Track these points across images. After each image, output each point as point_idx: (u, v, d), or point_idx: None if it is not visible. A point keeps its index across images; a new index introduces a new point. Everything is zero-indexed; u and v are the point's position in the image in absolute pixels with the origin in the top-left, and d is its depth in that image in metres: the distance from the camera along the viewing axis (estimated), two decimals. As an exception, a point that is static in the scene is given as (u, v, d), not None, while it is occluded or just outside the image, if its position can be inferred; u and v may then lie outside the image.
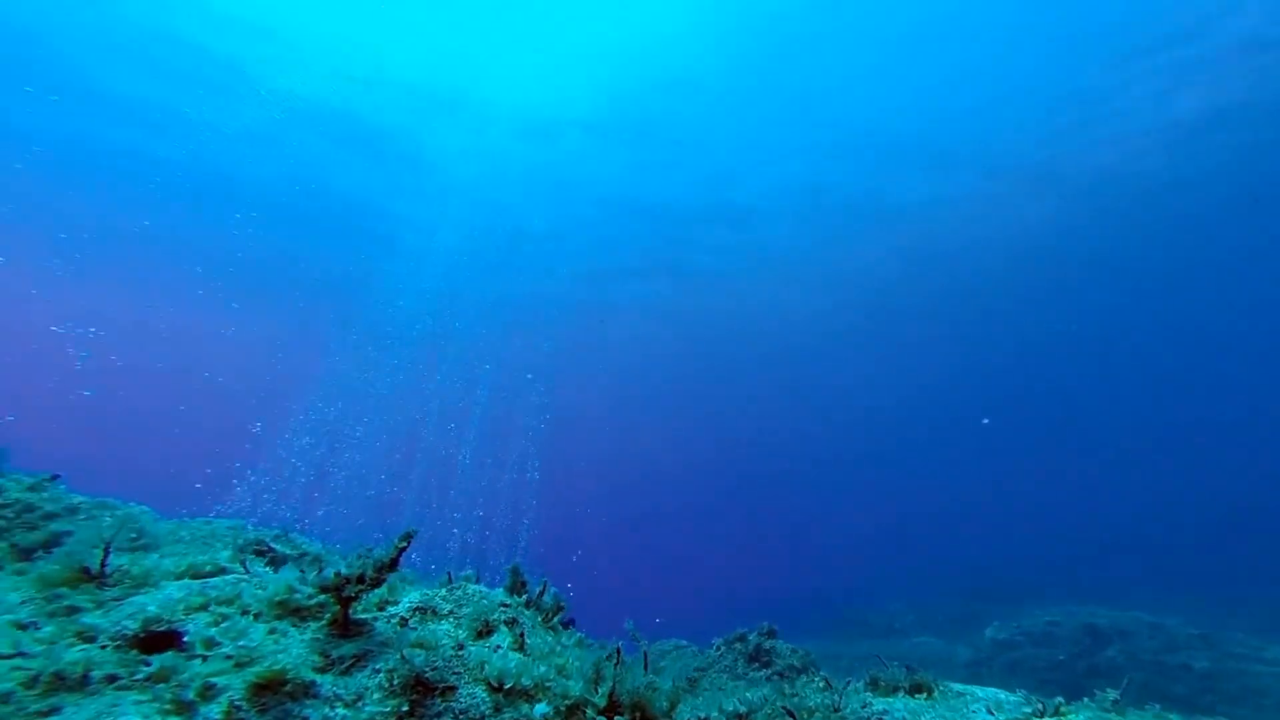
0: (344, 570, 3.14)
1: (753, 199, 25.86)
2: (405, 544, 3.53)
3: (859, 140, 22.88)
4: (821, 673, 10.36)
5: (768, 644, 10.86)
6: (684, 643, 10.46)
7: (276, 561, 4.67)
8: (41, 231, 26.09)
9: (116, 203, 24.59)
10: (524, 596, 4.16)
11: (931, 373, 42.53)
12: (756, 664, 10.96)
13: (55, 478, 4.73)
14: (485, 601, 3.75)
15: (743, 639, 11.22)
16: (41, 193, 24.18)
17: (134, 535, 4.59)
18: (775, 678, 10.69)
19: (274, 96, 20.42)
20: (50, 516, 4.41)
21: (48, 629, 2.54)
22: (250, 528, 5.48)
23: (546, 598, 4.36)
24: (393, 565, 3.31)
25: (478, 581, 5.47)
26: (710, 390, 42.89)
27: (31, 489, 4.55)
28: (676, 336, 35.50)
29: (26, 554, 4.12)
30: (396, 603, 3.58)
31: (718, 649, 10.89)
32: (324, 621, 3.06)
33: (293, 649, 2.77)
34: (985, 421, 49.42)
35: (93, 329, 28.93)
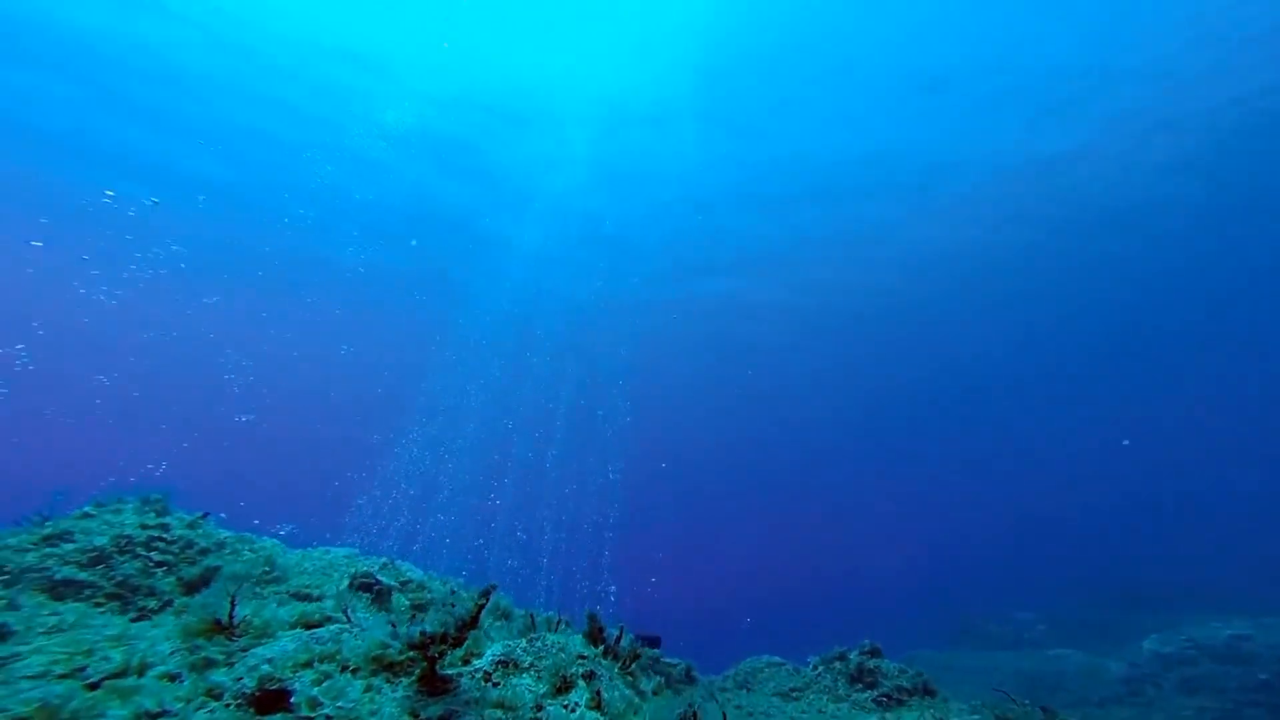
0: (429, 629, 3.32)
1: (831, 175, 24.40)
2: (485, 601, 3.67)
3: (950, 94, 20.75)
4: (939, 697, 9.59)
5: (871, 663, 10.22)
6: (777, 660, 10.13)
7: (381, 595, 5.07)
8: (196, 259, 30.15)
9: (243, 228, 27.89)
10: (601, 646, 4.18)
11: (1046, 348, 37.72)
12: (860, 685, 10.34)
13: (206, 515, 5.46)
14: (563, 655, 3.81)
15: (843, 658, 10.65)
16: (183, 225, 28.03)
17: (267, 569, 5.19)
18: (882, 701, 10.04)
19: (380, 126, 22.41)
20: (204, 552, 5.09)
21: (186, 684, 2.91)
22: (360, 556, 6.02)
23: (624, 643, 4.37)
24: (473, 623, 3.46)
25: (559, 624, 5.57)
26: (798, 381, 41.15)
27: (190, 526, 5.27)
28: (758, 330, 34.40)
29: (189, 587, 4.80)
30: (481, 655, 3.73)
31: (815, 668, 10.42)
32: (414, 677, 3.26)
33: (385, 709, 2.97)
34: (1125, 443, 43.44)
35: (234, 354, 33.41)
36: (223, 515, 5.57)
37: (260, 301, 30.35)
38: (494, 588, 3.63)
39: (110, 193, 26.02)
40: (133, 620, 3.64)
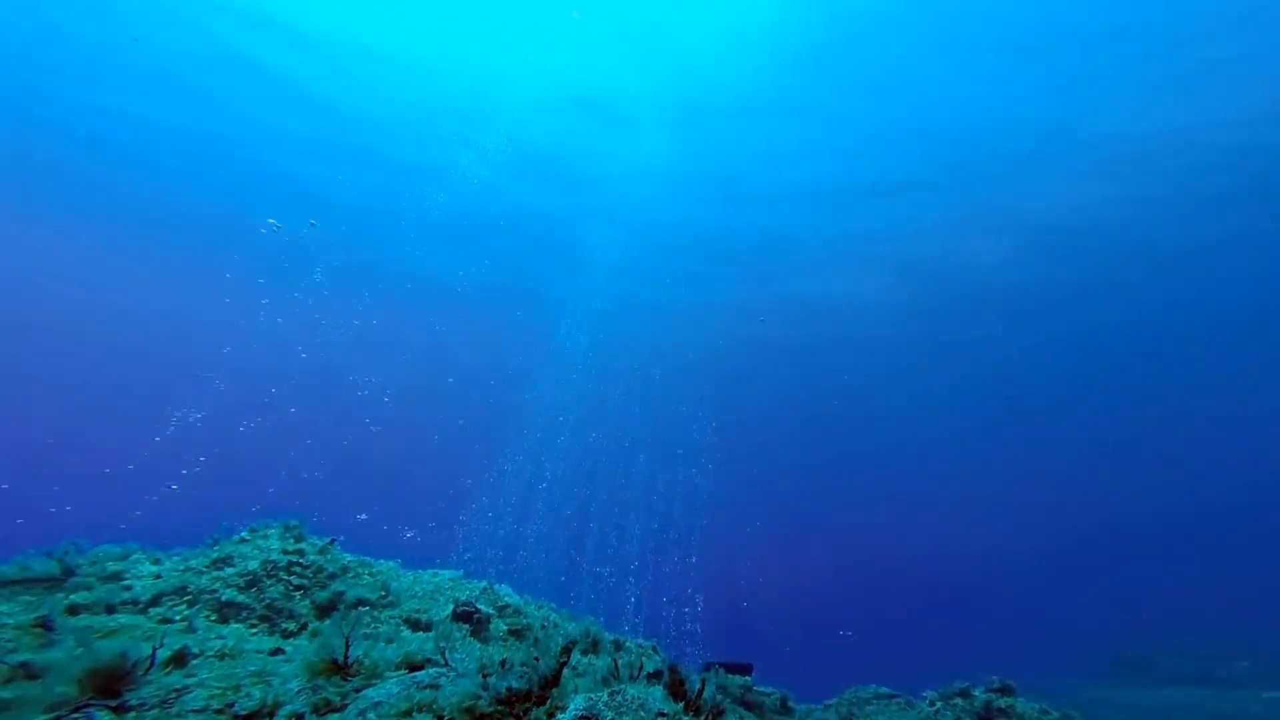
0: (516, 684, 3.48)
1: (936, 154, 22.22)
2: (565, 658, 3.78)
3: (1067, 55, 17.97)
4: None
5: (1003, 702, 9.27)
6: (886, 691, 9.48)
7: (479, 624, 5.40)
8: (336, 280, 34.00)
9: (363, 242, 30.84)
10: (683, 702, 4.14)
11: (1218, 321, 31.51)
12: (986, 726, 9.43)
13: (333, 541, 6.13)
14: (643, 712, 3.82)
15: (966, 694, 9.76)
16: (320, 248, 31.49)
17: (382, 593, 5.73)
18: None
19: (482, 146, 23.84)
20: (332, 576, 5.72)
21: (310, 725, 3.28)
22: (463, 580, 6.48)
23: (707, 694, 4.30)
24: (555, 680, 3.58)
25: (646, 656, 5.59)
26: (904, 374, 38.04)
27: (320, 552, 5.95)
28: (858, 325, 32.22)
29: (321, 610, 5.42)
30: (565, 709, 3.84)
31: (932, 704, 9.63)
32: (501, 730, 3.43)
33: (474, 762, 3.16)
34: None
35: (367, 369, 37.31)
36: (341, 538, 6.19)
37: (391, 319, 33.73)
38: (574, 644, 3.72)
39: (274, 221, 29.65)
40: (274, 650, 4.15)
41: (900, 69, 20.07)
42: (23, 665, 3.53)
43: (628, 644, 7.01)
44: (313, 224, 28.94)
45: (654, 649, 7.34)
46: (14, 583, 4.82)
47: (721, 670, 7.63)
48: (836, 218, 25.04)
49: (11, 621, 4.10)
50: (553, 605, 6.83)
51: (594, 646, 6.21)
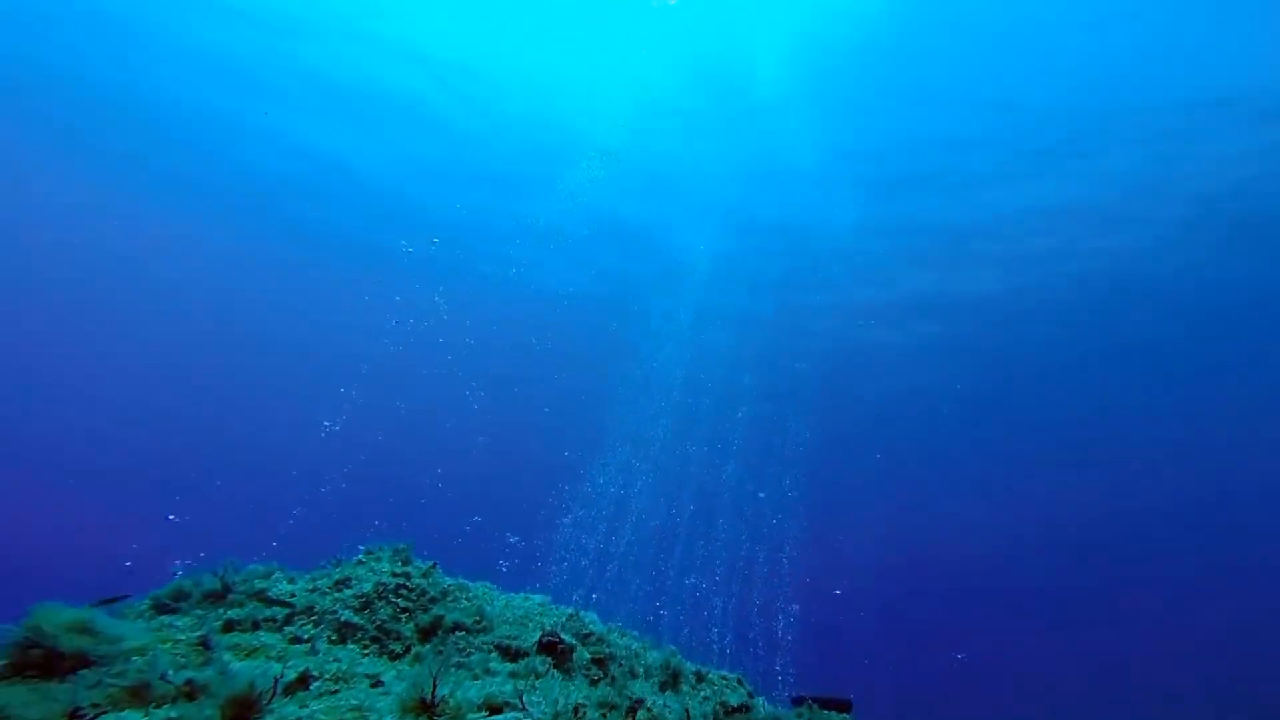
0: (581, 740, 3.56)
1: (1051, 128, 19.40)
2: (633, 716, 3.80)
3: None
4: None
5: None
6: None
7: (563, 654, 5.60)
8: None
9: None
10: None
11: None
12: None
13: (435, 565, 6.67)
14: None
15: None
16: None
17: (477, 618, 6.13)
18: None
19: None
20: (433, 600, 6.23)
21: (400, 763, 3.58)
22: (551, 606, 6.76)
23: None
24: (620, 740, 3.61)
25: (740, 684, 5.47)
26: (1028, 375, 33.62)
27: (424, 575, 6.50)
28: (970, 322, 29.01)
29: (423, 634, 5.93)
30: (631, 765, 3.86)
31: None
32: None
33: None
34: None
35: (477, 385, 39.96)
36: (435, 562, 6.69)
37: (490, 331, 36.17)
38: (640, 702, 3.73)
39: (407, 246, 32.66)
40: (374, 681, 4.58)
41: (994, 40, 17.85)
42: (188, 683, 4.22)
43: (710, 675, 6.91)
44: (435, 241, 31.61)
45: (739, 681, 7.18)
46: (188, 597, 5.79)
47: (814, 706, 7.28)
48: (929, 205, 22.87)
49: (184, 637, 4.93)
50: (635, 633, 6.92)
51: (674, 680, 6.18)
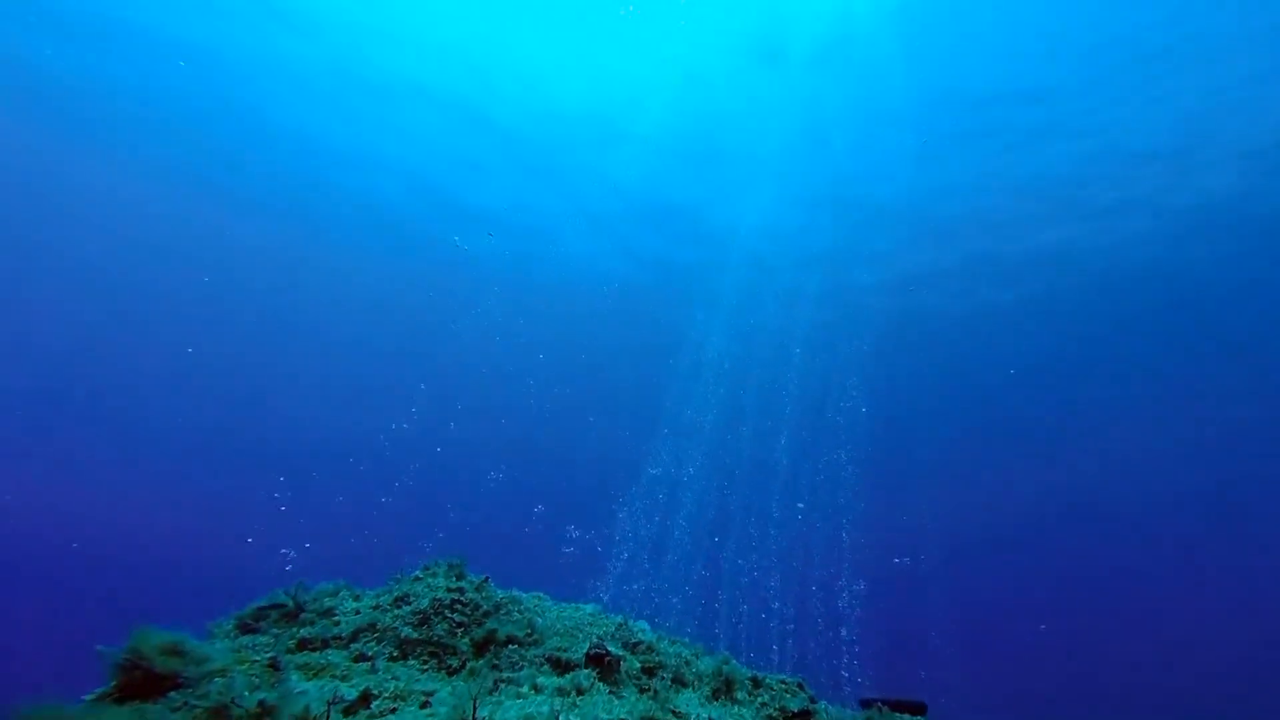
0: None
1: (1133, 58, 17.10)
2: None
3: None
4: None
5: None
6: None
7: (607, 669, 5.64)
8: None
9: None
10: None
11: None
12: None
13: (487, 579, 6.86)
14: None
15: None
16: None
17: (528, 630, 6.27)
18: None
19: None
20: (486, 614, 6.42)
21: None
22: (601, 615, 6.82)
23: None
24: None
25: (800, 688, 5.34)
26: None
27: (477, 589, 6.70)
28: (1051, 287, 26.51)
29: (477, 648, 6.13)
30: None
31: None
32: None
33: None
34: None
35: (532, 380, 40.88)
36: (485, 576, 6.87)
37: (542, 324, 36.88)
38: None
39: (458, 240, 33.58)
40: (424, 701, 4.77)
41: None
42: (260, 704, 4.56)
43: (767, 680, 6.78)
44: (490, 235, 32.35)
45: (800, 685, 7.00)
46: (265, 615, 6.26)
47: (885, 709, 7.01)
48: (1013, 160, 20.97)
49: (259, 657, 5.33)
50: (686, 640, 6.88)
51: (727, 687, 6.10)
